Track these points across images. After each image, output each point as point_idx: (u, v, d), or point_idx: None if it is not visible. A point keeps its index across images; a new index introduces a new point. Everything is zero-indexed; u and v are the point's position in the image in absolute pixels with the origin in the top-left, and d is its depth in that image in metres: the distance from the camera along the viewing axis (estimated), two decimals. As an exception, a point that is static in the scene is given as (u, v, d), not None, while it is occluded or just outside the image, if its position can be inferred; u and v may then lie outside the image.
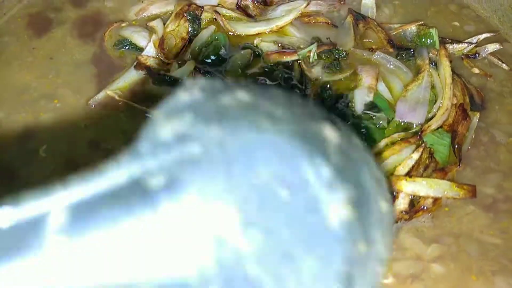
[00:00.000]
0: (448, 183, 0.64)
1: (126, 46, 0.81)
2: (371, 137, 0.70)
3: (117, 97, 0.73)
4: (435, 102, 0.74)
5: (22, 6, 0.87)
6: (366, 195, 0.33)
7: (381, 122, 0.71)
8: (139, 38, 0.81)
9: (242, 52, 0.79)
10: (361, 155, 0.35)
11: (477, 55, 0.84)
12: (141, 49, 0.79)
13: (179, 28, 0.82)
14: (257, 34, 0.82)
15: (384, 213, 0.35)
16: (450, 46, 0.83)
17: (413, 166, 0.65)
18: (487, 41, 0.85)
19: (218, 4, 0.87)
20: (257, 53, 0.79)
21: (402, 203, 0.63)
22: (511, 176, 0.70)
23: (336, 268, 0.30)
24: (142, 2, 0.88)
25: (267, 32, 0.82)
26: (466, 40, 0.85)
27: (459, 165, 0.69)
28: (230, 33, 0.82)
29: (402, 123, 0.72)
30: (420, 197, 0.64)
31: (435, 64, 0.78)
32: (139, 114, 0.71)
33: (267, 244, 0.28)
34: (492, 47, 0.84)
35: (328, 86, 0.75)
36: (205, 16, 0.84)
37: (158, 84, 0.75)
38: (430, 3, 0.92)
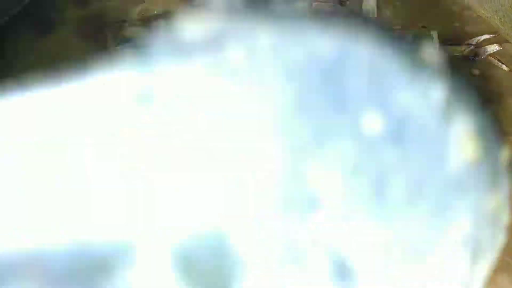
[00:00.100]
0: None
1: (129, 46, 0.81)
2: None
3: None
4: (436, 103, 0.74)
5: (24, 6, 0.87)
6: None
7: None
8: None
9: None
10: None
11: (477, 56, 0.84)
12: (144, 49, 0.79)
13: (182, 28, 0.83)
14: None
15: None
16: (450, 48, 0.83)
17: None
18: (487, 42, 0.86)
19: (220, 5, 0.87)
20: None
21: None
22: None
23: (465, 228, 0.24)
24: (144, 2, 0.88)
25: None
26: (466, 42, 0.85)
27: (461, 165, 0.69)
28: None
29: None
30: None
31: (435, 65, 0.79)
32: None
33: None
34: (492, 48, 0.85)
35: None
36: (208, 16, 0.85)
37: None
38: (432, 4, 0.93)
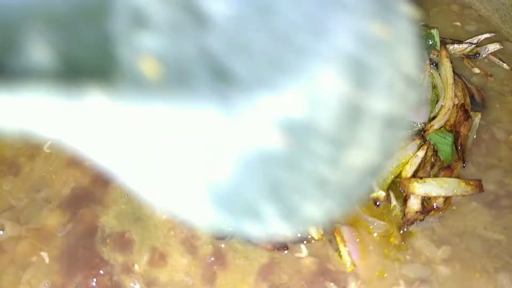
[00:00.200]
0: (456, 180, 0.65)
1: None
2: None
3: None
4: (436, 102, 0.74)
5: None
6: None
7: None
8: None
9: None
10: None
11: (477, 55, 0.84)
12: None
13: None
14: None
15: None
16: (450, 47, 0.84)
17: (419, 165, 0.66)
18: (488, 41, 0.86)
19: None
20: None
21: (415, 204, 0.64)
22: (511, 173, 0.71)
23: (343, 43, 0.24)
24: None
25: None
26: (467, 41, 0.86)
27: (463, 165, 0.70)
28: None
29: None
30: (430, 197, 0.65)
31: (436, 64, 0.79)
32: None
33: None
34: (493, 47, 0.85)
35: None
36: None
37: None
38: (432, 3, 0.93)
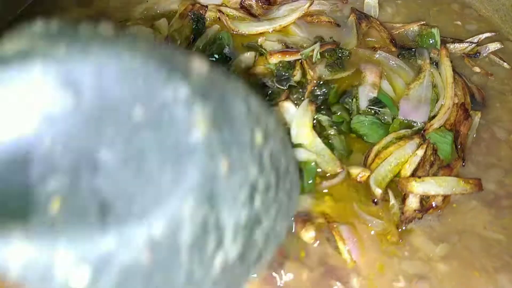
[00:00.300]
0: (455, 179, 0.65)
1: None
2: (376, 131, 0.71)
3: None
4: (437, 101, 0.75)
5: (28, 5, 0.88)
6: (232, 121, 0.36)
7: (386, 117, 0.72)
8: (144, 37, 0.82)
9: (246, 54, 0.80)
10: (235, 90, 0.38)
11: (478, 54, 0.84)
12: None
13: (183, 27, 0.83)
14: (261, 33, 0.83)
15: (257, 144, 0.38)
16: (451, 46, 0.84)
17: (419, 164, 0.66)
18: (489, 40, 0.86)
19: (222, 4, 0.87)
20: (261, 52, 0.80)
21: (414, 202, 0.64)
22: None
23: (193, 179, 0.32)
24: (147, 1, 0.89)
25: (270, 31, 0.83)
26: (467, 40, 0.86)
27: (463, 164, 0.70)
28: (234, 32, 0.83)
29: (405, 121, 0.73)
30: (429, 195, 0.65)
31: (436, 63, 0.79)
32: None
33: (120, 158, 0.31)
34: (493, 46, 0.85)
35: (322, 82, 0.76)
36: (209, 15, 0.85)
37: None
38: (433, 2, 0.93)
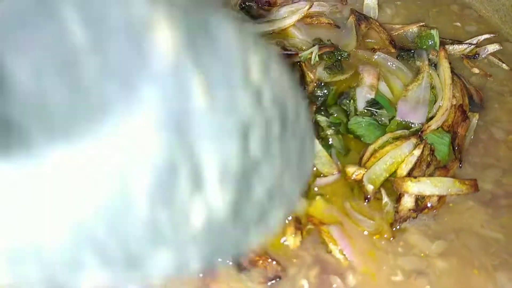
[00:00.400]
0: (451, 180, 0.66)
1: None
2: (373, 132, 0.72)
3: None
4: (435, 103, 0.75)
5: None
6: (215, 46, 0.29)
7: (383, 118, 0.73)
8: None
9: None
10: (223, 14, 0.31)
11: (477, 55, 0.85)
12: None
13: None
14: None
15: (253, 80, 0.31)
16: (450, 47, 0.84)
17: (415, 163, 0.67)
18: (488, 41, 0.86)
19: (222, 6, 0.88)
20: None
21: (409, 201, 0.64)
22: (510, 172, 0.71)
23: (150, 99, 0.26)
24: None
25: (269, 34, 0.84)
26: (467, 41, 0.86)
27: (460, 166, 0.70)
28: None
29: (403, 122, 0.73)
30: (424, 195, 0.65)
31: (435, 65, 0.79)
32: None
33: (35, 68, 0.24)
34: (492, 47, 0.85)
35: (322, 84, 0.76)
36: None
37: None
38: (432, 3, 0.93)
